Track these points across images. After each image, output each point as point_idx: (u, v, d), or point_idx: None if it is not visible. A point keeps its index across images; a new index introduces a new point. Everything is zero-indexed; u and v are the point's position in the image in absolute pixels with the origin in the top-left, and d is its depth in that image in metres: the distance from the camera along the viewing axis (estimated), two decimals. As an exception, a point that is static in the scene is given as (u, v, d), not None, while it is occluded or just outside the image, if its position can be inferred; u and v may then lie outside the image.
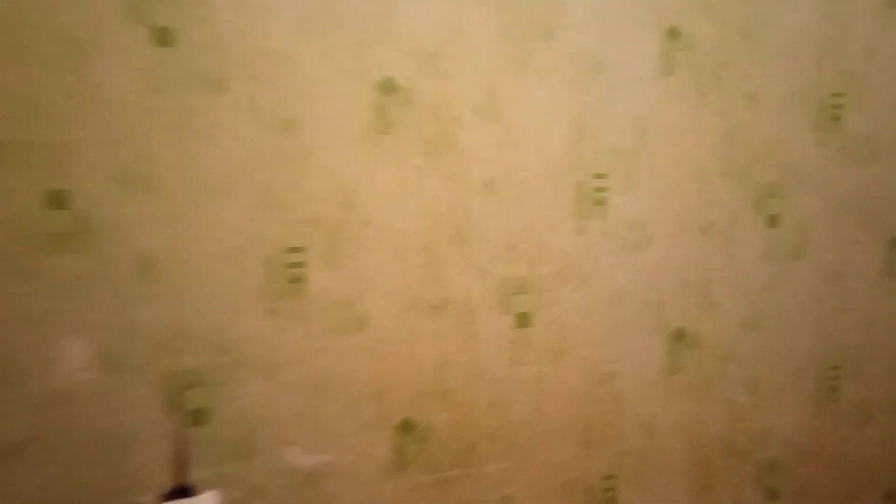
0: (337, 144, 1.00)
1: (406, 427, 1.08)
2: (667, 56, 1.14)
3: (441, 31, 1.03)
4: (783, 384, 1.30)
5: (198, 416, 0.99)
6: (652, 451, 1.22)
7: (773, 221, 1.25)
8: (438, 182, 1.05)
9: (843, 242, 1.30)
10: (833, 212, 1.29)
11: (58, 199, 0.89)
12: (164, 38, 0.90)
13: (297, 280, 1.01)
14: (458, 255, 1.08)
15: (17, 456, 0.93)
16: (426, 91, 1.03)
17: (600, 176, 1.13)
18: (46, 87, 0.88)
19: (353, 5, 0.98)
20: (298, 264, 1.01)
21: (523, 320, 1.12)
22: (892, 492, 1.42)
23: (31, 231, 0.89)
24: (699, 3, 1.15)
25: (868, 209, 1.31)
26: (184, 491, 0.99)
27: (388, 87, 1.01)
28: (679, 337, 1.22)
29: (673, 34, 1.14)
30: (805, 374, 1.31)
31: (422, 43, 1.02)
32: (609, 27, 1.10)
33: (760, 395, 1.28)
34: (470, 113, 1.05)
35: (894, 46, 1.28)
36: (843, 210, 1.29)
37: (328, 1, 0.97)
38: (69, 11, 0.87)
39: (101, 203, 0.91)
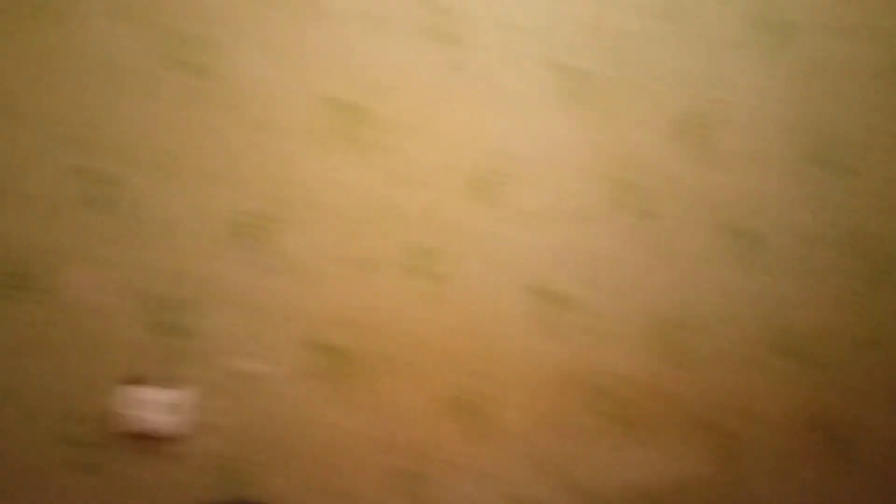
0: (297, 144, 1.34)
1: (325, 347, 1.47)
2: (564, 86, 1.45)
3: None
4: (634, 336, 1.66)
5: (174, 330, 1.38)
6: (520, 377, 1.60)
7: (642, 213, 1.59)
8: (366, 171, 1.40)
9: (697, 229, 1.65)
10: (690, 206, 1.63)
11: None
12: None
13: (259, 238, 1.37)
14: (382, 226, 1.43)
15: (30, 353, 1.32)
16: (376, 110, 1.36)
17: (496, 173, 1.47)
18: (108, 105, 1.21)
19: (322, 47, 1.29)
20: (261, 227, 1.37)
21: (426, 275, 1.48)
22: (716, 425, 1.82)
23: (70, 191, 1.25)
24: (590, 45, 1.43)
25: (719, 205, 1.65)
26: (161, 385, 1.38)
27: (338, 105, 1.34)
28: (553, 297, 1.57)
29: (564, 68, 1.44)
30: (653, 329, 1.68)
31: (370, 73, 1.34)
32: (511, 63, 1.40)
33: (614, 343, 1.65)
34: (401, 126, 1.39)
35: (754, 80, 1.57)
36: (700, 205, 1.63)
37: (300, 45, 1.28)
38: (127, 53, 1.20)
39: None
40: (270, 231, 1.37)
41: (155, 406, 1.34)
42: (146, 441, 1.35)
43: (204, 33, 1.24)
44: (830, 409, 1.80)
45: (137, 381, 1.36)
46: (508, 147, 1.45)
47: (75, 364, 1.32)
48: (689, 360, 1.70)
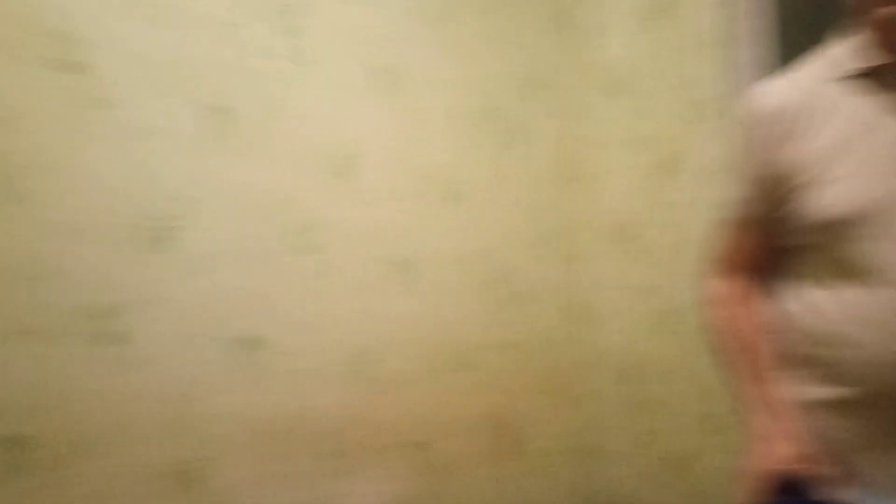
0: None
1: (12, 442, 1.24)
2: (211, 125, 1.51)
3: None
4: (326, 369, 1.74)
5: None
6: (226, 436, 1.52)
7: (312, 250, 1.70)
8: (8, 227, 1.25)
9: (361, 263, 1.81)
10: (353, 242, 1.79)
11: None
12: None
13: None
14: (41, 287, 1.28)
15: None
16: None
17: (165, 217, 1.43)
18: None
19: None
20: None
21: (109, 339, 1.35)
22: (418, 442, 1.95)
23: None
24: (235, 86, 1.54)
25: (377, 238, 1.84)
26: None
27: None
28: (244, 342, 1.55)
29: (216, 109, 1.51)
30: (340, 361, 1.78)
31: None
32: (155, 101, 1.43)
33: (310, 380, 1.69)
34: (39, 167, 1.28)
35: (381, 122, 1.83)
36: (360, 240, 1.80)
37: None
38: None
39: None
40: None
41: None
42: None
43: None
44: (497, 408, 2.07)
45: None
46: (172, 189, 1.44)
47: None
48: (381, 385, 1.82)
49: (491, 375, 2.06)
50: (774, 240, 0.99)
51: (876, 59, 0.90)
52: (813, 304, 0.93)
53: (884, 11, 0.86)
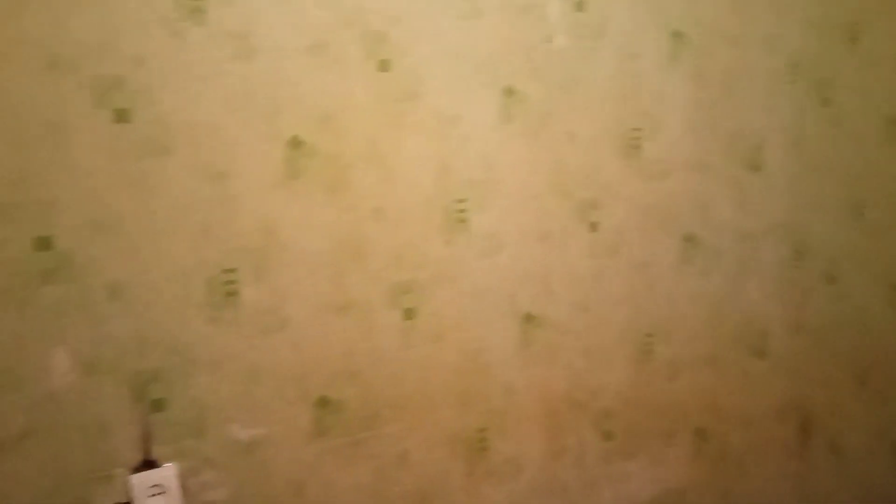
0: (257, 189, 1.30)
1: (323, 402, 1.40)
2: (506, 109, 1.51)
3: (333, 99, 1.36)
4: (610, 350, 1.69)
5: (158, 405, 1.27)
6: (513, 408, 1.58)
7: (593, 228, 1.65)
8: (338, 213, 1.38)
9: (647, 240, 1.72)
10: (639, 217, 1.70)
11: (44, 243, 1.16)
12: (121, 117, 1.19)
13: (232, 294, 1.30)
14: (357, 267, 1.40)
15: (15, 448, 1.17)
16: (325, 145, 1.36)
17: (461, 201, 1.48)
18: (32, 159, 1.14)
19: (265, 85, 1.29)
20: (232, 282, 1.30)
21: (409, 314, 1.46)
22: (700, 429, 1.85)
23: (23, 269, 1.15)
24: (528, 68, 1.53)
25: (666, 213, 1.74)
26: (149, 464, 1.27)
27: (295, 144, 1.33)
28: (528, 319, 1.59)
29: (509, 92, 1.52)
30: (626, 341, 1.71)
31: (319, 108, 1.34)
32: (461, 89, 1.47)
33: (593, 360, 1.67)
34: (359, 160, 1.39)
35: (675, 91, 1.71)
36: (646, 215, 1.71)
37: (245, 83, 1.28)
38: (48, 102, 1.14)
39: (78, 244, 1.18)
40: (243, 285, 1.31)
41: (143, 490, 1.22)
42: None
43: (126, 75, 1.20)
44: (795, 398, 1.87)
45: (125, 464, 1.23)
46: (469, 174, 1.48)
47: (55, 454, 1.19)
48: (664, 368, 1.74)
49: (789, 361, 1.87)
50: None
51: None
52: None
53: None
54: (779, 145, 1.79)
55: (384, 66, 1.38)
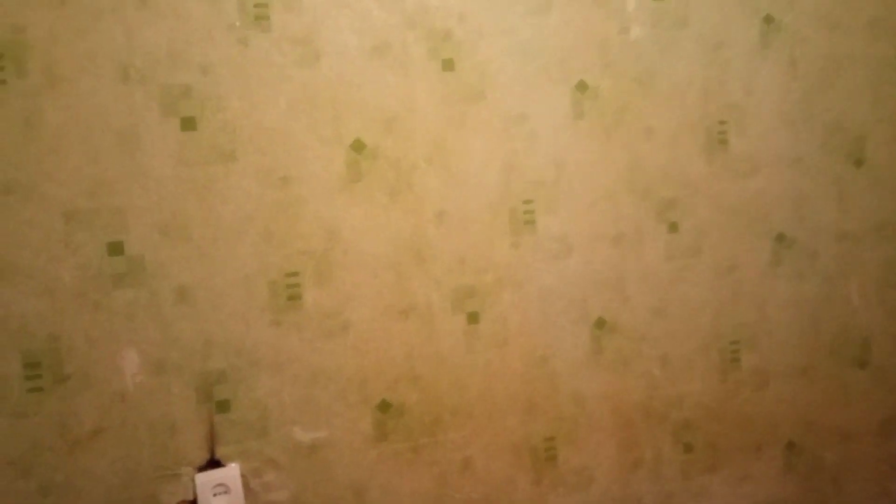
0: (321, 193, 1.30)
1: (384, 406, 1.39)
2: (577, 105, 1.45)
3: (397, 101, 1.33)
4: (690, 358, 1.60)
5: (222, 406, 1.29)
6: (583, 417, 1.52)
7: (672, 228, 1.56)
8: (401, 216, 1.36)
9: (733, 241, 1.61)
10: (724, 216, 1.60)
11: (117, 248, 1.20)
12: (188, 125, 1.21)
13: (294, 297, 1.31)
14: (419, 270, 1.38)
15: (88, 445, 1.23)
16: (388, 147, 1.34)
17: (528, 202, 1.44)
18: (106, 167, 1.18)
19: (328, 89, 1.29)
20: (295, 285, 1.31)
21: (473, 318, 1.43)
22: (792, 443, 1.73)
23: (97, 273, 1.20)
24: (601, 62, 1.45)
25: (755, 212, 1.62)
26: (214, 463, 1.30)
27: (358, 147, 1.32)
28: (600, 324, 1.52)
29: (581, 87, 1.45)
30: (709, 349, 1.61)
31: (382, 111, 1.33)
32: (529, 86, 1.41)
33: (671, 368, 1.58)
34: (423, 161, 1.36)
35: (766, 81, 1.58)
36: (733, 214, 1.60)
37: (309, 88, 1.27)
38: (120, 112, 1.18)
39: (148, 249, 1.22)
40: (306, 288, 1.31)
41: (207, 488, 1.25)
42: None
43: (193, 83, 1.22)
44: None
45: (190, 463, 1.26)
46: (537, 174, 1.43)
47: (125, 451, 1.24)
48: (750, 377, 1.63)
49: (893, 372, 1.71)
50: None
51: None
52: None
53: None
54: (883, 138, 1.64)
55: (448, 65, 1.35)
